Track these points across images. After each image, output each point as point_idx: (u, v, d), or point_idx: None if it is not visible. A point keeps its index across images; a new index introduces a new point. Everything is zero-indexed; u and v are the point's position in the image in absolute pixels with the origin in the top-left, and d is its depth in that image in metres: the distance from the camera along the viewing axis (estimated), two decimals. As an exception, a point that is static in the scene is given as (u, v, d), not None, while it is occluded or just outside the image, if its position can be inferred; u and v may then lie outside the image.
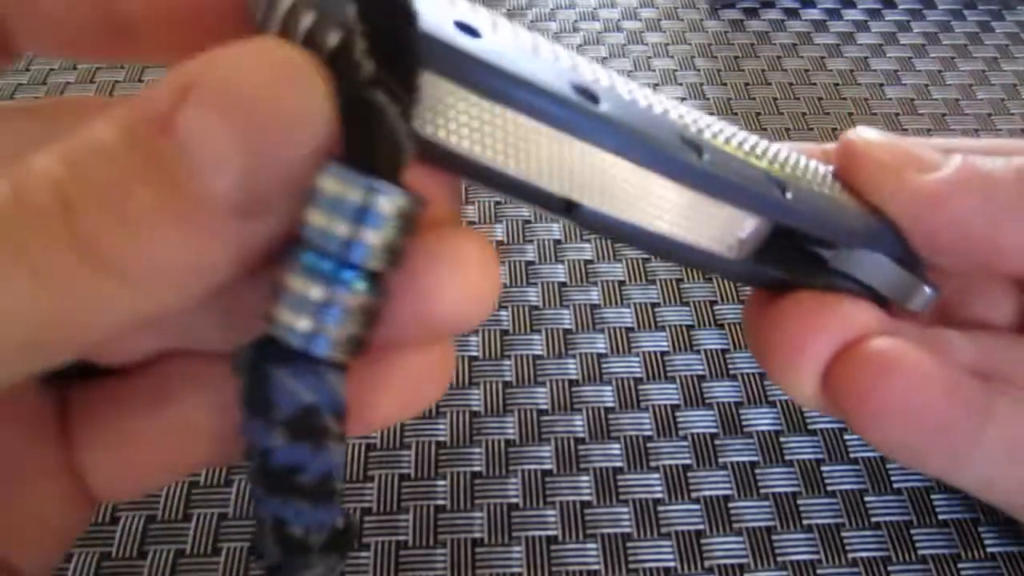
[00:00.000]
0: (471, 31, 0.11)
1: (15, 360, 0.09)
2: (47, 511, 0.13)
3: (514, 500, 0.22)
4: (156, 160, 0.09)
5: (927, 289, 0.17)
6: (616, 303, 0.26)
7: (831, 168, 0.18)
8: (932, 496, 0.22)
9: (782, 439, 0.23)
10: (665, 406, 0.24)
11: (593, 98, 0.12)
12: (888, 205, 0.17)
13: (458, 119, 0.11)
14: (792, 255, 0.16)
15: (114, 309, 0.09)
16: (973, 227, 0.16)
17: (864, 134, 0.18)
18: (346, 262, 0.10)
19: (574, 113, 0.12)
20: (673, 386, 0.24)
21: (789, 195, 0.15)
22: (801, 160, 0.16)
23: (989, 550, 0.21)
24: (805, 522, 0.21)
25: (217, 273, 0.10)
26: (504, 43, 0.11)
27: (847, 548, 0.21)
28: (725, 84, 0.33)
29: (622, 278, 0.26)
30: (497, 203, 0.28)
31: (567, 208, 0.13)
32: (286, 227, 0.10)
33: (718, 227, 0.14)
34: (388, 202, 0.10)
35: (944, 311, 0.19)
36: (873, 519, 0.21)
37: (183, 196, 0.09)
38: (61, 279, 0.09)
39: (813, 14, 0.37)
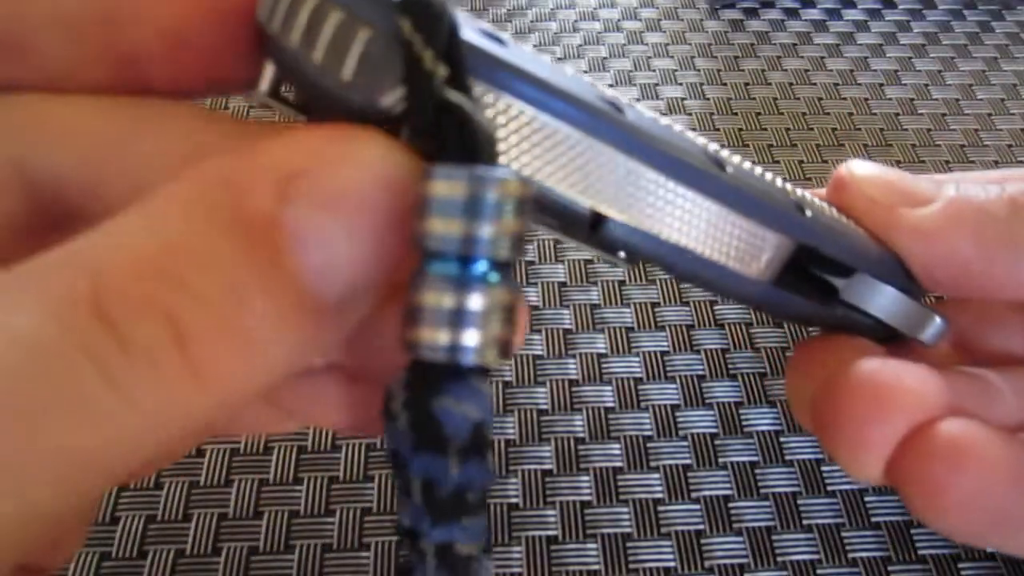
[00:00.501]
0: (497, 39, 0.11)
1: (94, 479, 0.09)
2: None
3: (514, 500, 0.22)
4: (268, 265, 0.09)
5: (938, 320, 0.17)
6: (616, 303, 0.26)
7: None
8: (932, 496, 0.22)
9: (782, 439, 0.23)
10: (665, 406, 0.24)
11: (619, 110, 0.12)
12: (884, 240, 0.17)
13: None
14: (807, 286, 0.16)
15: (201, 414, 0.09)
16: (967, 261, 0.16)
17: (856, 168, 0.17)
18: (474, 258, 0.09)
19: (603, 120, 0.12)
20: (673, 386, 0.24)
21: (808, 214, 0.15)
22: (807, 193, 0.17)
23: (989, 550, 0.21)
24: (805, 522, 0.21)
25: (316, 356, 0.10)
26: (527, 54, 0.12)
27: (847, 548, 0.21)
28: (725, 84, 0.33)
29: (622, 278, 0.26)
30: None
31: (593, 224, 0.12)
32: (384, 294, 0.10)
33: (742, 245, 0.14)
34: (498, 187, 0.09)
35: (963, 343, 0.19)
36: (873, 519, 0.21)
37: (298, 300, 0.09)
38: (168, 406, 0.08)
39: (813, 14, 0.37)
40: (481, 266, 0.09)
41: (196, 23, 0.11)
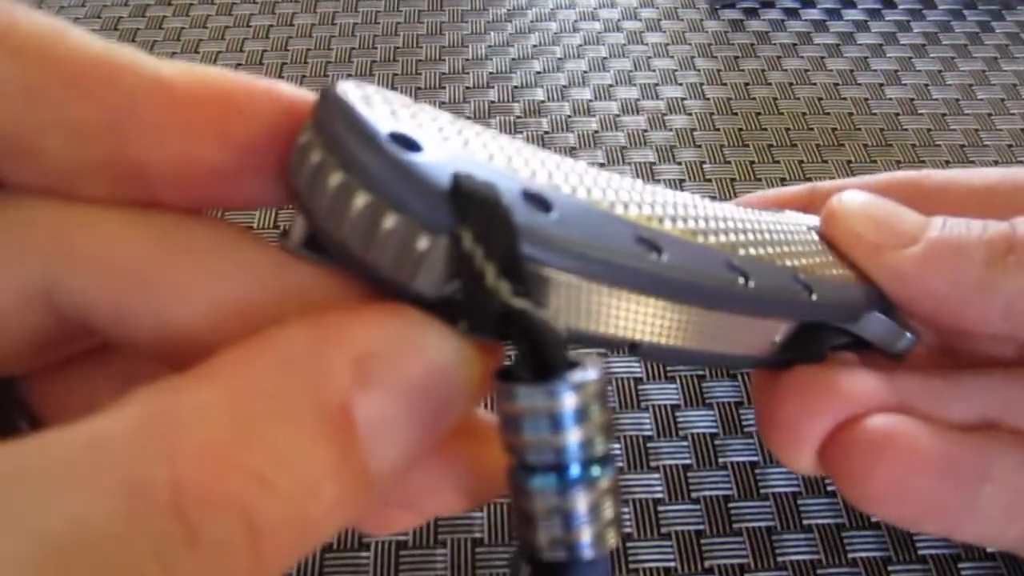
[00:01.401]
0: (544, 204, 0.11)
1: None
2: None
3: (514, 500, 0.22)
4: (341, 457, 0.09)
5: (908, 335, 0.18)
6: (616, 303, 0.26)
7: (815, 225, 0.19)
8: (932, 496, 0.22)
9: (782, 439, 0.23)
10: (665, 406, 0.24)
11: (656, 248, 0.12)
12: (869, 274, 0.17)
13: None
14: (802, 333, 0.17)
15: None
16: (942, 302, 0.17)
17: (846, 202, 0.18)
18: (576, 463, 0.10)
19: (647, 275, 0.12)
20: (673, 386, 0.24)
21: (815, 297, 0.15)
22: (798, 235, 0.17)
23: (989, 550, 0.21)
24: (805, 522, 0.21)
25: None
26: (571, 207, 0.11)
27: (847, 548, 0.21)
28: (725, 84, 0.33)
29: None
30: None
31: (631, 347, 0.13)
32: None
33: (760, 337, 0.16)
34: (577, 395, 0.10)
35: (949, 349, 0.19)
36: (873, 519, 0.21)
37: (359, 479, 0.09)
38: None
39: (813, 14, 0.37)
40: (577, 470, 0.10)
41: (207, 146, 0.11)
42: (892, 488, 0.15)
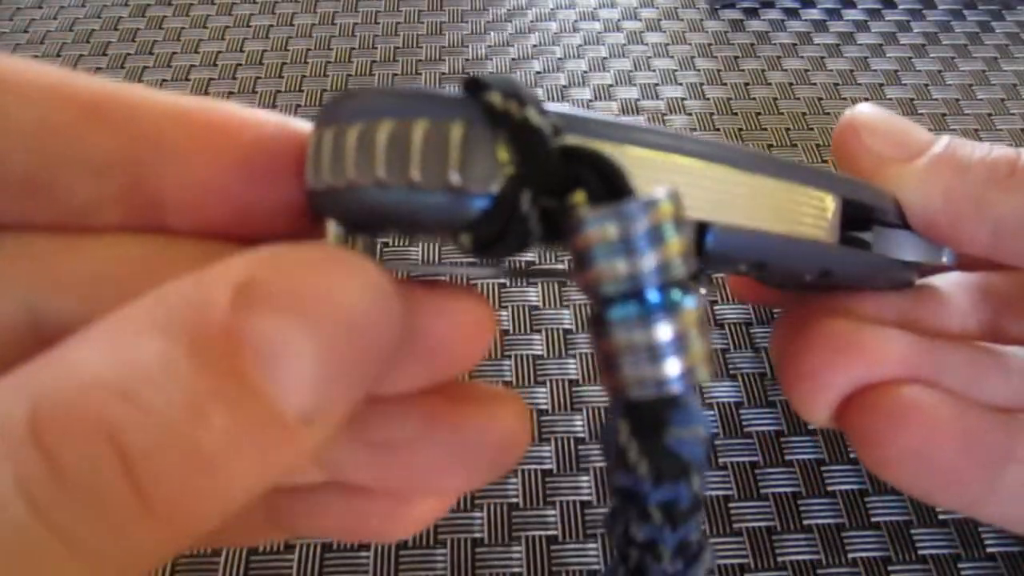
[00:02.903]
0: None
1: None
2: None
3: (514, 500, 0.22)
4: (228, 377, 0.08)
5: (943, 252, 0.18)
6: (616, 303, 0.26)
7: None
8: (932, 496, 0.22)
9: (782, 439, 0.23)
10: (665, 406, 0.24)
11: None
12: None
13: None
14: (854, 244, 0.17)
15: (167, 547, 0.08)
16: (936, 217, 0.17)
17: (859, 114, 0.18)
18: (648, 291, 0.09)
19: (688, 142, 0.12)
20: (673, 386, 0.24)
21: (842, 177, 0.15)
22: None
23: (989, 550, 0.21)
24: (805, 522, 0.21)
25: (289, 472, 0.09)
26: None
27: (847, 548, 0.21)
28: (725, 84, 0.33)
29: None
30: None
31: (698, 238, 0.12)
32: (362, 401, 0.09)
33: (813, 211, 0.15)
34: (648, 215, 0.09)
35: (995, 328, 0.19)
36: (873, 519, 0.21)
37: (261, 416, 0.08)
38: (114, 545, 0.07)
39: (813, 14, 0.37)
40: (656, 296, 0.09)
41: (225, 177, 0.11)
42: (908, 457, 0.15)
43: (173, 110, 0.11)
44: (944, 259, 0.18)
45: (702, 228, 0.12)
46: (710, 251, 0.12)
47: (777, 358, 0.18)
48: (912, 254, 0.17)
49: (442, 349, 0.12)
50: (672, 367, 0.09)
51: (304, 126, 0.12)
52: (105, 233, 0.11)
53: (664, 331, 0.09)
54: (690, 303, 0.09)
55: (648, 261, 0.09)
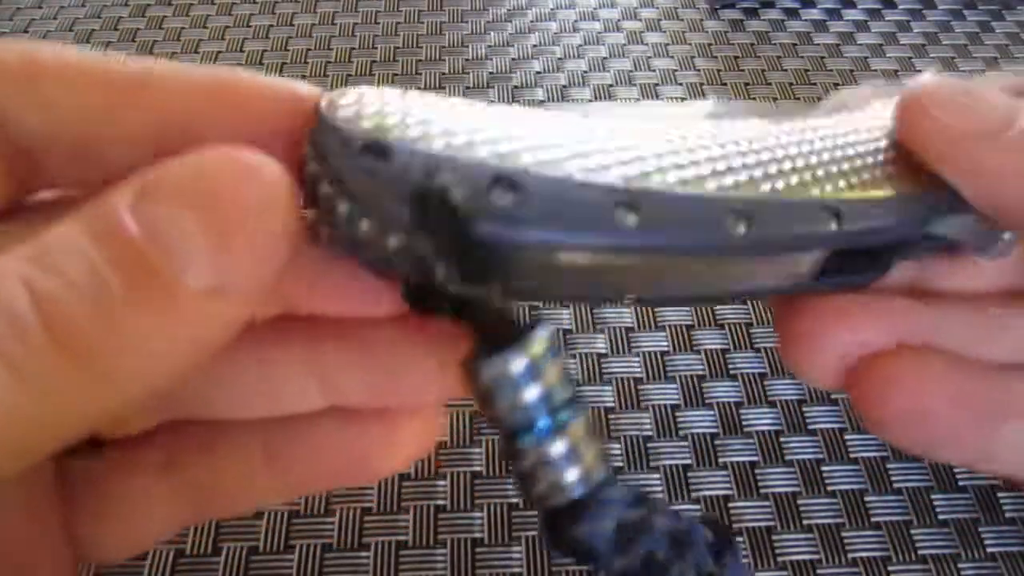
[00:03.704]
0: (514, 186, 0.11)
1: (4, 459, 0.09)
2: None
3: (514, 500, 0.22)
4: (123, 251, 0.09)
5: (1005, 235, 0.16)
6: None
7: (887, 131, 0.16)
8: (932, 496, 0.22)
9: (782, 439, 0.23)
10: (665, 406, 0.24)
11: (635, 207, 0.12)
12: (946, 171, 0.15)
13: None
14: (851, 256, 0.16)
15: (98, 399, 0.10)
16: (1013, 198, 0.15)
17: (925, 84, 0.16)
18: (543, 416, 0.11)
19: (616, 239, 0.12)
20: (673, 386, 0.24)
21: (845, 225, 0.14)
22: (858, 144, 0.16)
23: (989, 550, 0.21)
24: (805, 522, 0.21)
25: (198, 352, 0.10)
26: (543, 184, 0.12)
27: (847, 548, 0.21)
28: (725, 84, 0.33)
29: (622, 278, 0.26)
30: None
31: (638, 300, 0.13)
32: (259, 306, 0.11)
33: (776, 271, 0.15)
34: (526, 357, 0.11)
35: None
36: (873, 519, 0.21)
37: (155, 283, 0.10)
38: (43, 377, 0.09)
39: (813, 14, 0.37)
40: (545, 423, 0.11)
41: (238, 140, 0.12)
42: (903, 419, 0.15)
43: (196, 85, 0.12)
44: (997, 246, 0.16)
45: None
46: (639, 304, 0.14)
47: (778, 321, 0.18)
48: (957, 237, 0.16)
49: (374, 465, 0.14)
50: (571, 475, 0.11)
51: (307, 91, 0.13)
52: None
53: (557, 450, 0.11)
54: (577, 419, 0.11)
55: (532, 394, 0.11)
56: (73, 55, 0.12)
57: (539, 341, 0.11)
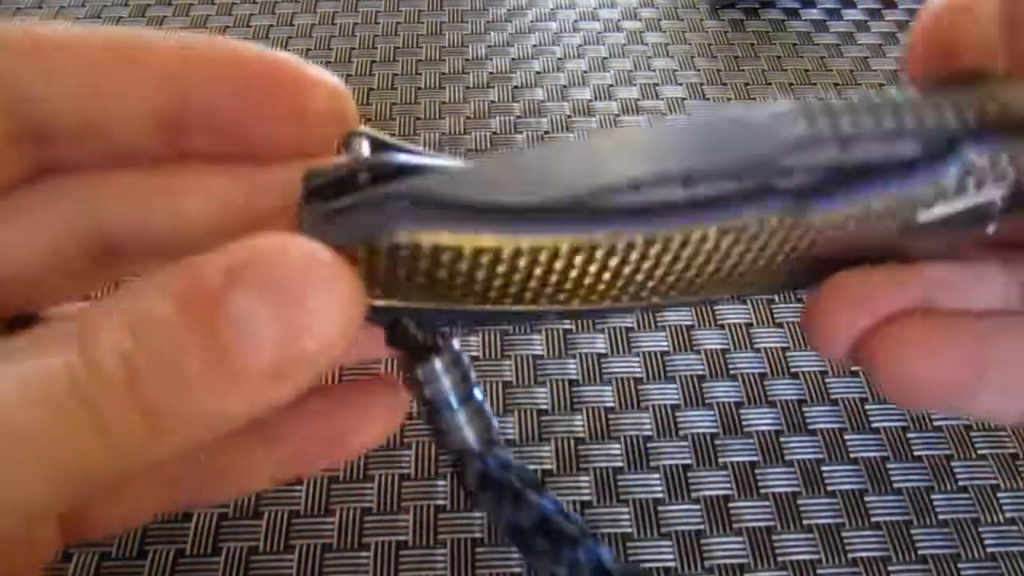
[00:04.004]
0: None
1: (66, 499, 0.10)
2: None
3: (514, 500, 0.22)
4: (208, 333, 0.10)
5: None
6: (616, 303, 0.26)
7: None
8: (932, 496, 0.22)
9: (782, 439, 0.23)
10: (665, 406, 0.24)
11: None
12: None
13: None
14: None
15: (157, 454, 0.11)
16: None
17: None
18: (453, 398, 0.15)
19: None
20: (673, 386, 0.24)
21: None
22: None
23: (989, 550, 0.21)
24: (805, 522, 0.21)
25: (250, 419, 0.11)
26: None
27: (847, 548, 0.21)
28: (725, 84, 0.33)
29: (622, 278, 0.26)
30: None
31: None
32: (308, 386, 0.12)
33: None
34: (441, 361, 0.15)
35: None
36: (873, 519, 0.21)
37: (229, 365, 0.11)
38: (124, 438, 0.10)
39: (813, 14, 0.37)
40: (455, 403, 0.15)
41: (233, 105, 0.14)
42: (922, 380, 0.16)
43: (196, 54, 0.13)
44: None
45: None
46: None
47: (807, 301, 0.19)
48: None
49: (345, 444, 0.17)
50: (469, 434, 0.15)
51: (291, 61, 0.15)
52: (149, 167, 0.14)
53: (462, 417, 0.15)
54: (473, 403, 0.15)
55: (446, 384, 0.15)
56: (74, 27, 0.13)
57: (446, 353, 0.15)
